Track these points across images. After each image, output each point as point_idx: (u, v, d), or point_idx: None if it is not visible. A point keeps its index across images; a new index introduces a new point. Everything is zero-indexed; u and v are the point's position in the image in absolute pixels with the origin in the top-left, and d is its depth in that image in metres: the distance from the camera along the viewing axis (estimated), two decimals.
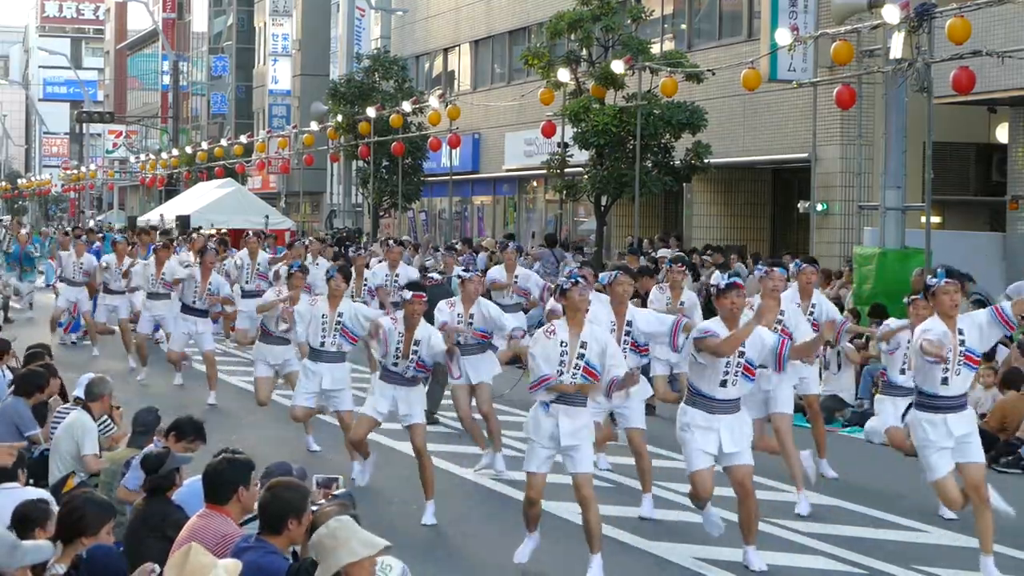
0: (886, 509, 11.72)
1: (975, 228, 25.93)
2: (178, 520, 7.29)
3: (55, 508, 7.15)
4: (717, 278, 9.58)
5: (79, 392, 10.90)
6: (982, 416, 14.90)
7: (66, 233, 33.52)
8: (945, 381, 9.47)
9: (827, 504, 11.97)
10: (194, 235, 30.03)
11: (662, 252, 24.67)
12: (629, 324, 11.17)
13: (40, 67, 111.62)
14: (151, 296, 19.16)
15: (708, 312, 14.42)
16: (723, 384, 9.47)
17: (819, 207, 26.03)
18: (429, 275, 19.83)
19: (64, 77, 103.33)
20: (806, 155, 25.61)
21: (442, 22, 44.24)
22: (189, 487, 7.89)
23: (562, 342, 9.27)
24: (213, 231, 35.61)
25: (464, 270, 14.34)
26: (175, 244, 26.32)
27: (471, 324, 13.23)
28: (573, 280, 9.50)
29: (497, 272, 18.12)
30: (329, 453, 13.85)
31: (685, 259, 15.59)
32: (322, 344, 12.94)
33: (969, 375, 9.62)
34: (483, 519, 11.57)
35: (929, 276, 9.82)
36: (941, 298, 9.47)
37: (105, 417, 11.10)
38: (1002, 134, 25.36)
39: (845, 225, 26.14)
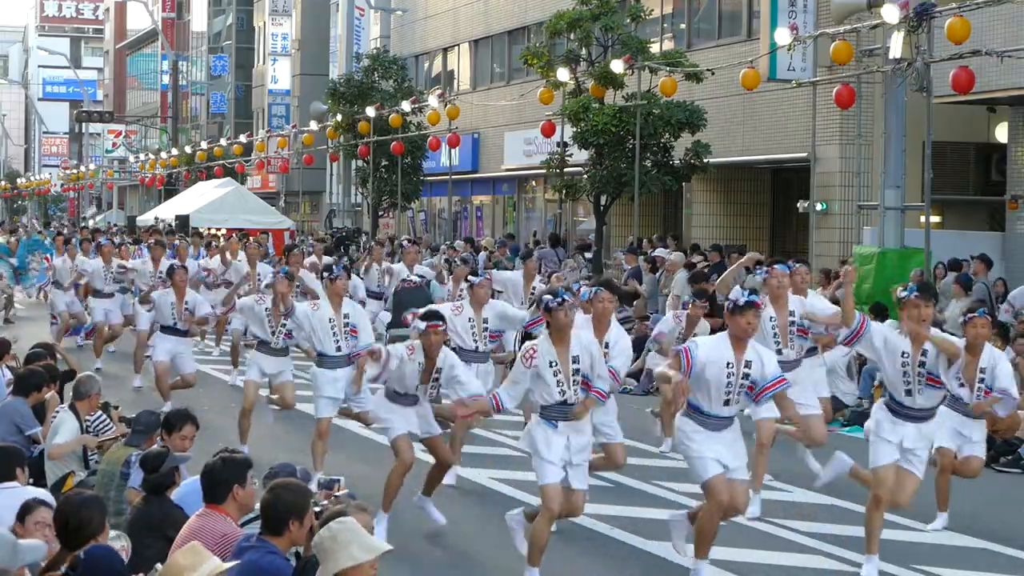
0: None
1: (974, 228, 25.94)
2: (177, 520, 7.30)
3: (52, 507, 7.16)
4: (736, 293, 9.00)
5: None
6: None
7: (58, 235, 33.00)
8: (909, 393, 9.50)
9: (827, 504, 11.97)
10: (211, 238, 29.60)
11: (659, 252, 24.66)
12: (607, 347, 10.62)
13: (39, 67, 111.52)
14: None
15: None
16: (727, 403, 9.01)
17: (818, 207, 26.03)
18: (407, 278, 19.56)
19: (63, 77, 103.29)
20: (805, 155, 25.62)
21: (441, 22, 44.24)
22: (187, 486, 7.90)
23: (551, 362, 9.15)
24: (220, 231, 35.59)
25: (472, 273, 13.87)
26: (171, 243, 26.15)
27: (486, 329, 12.80)
28: (560, 299, 9.22)
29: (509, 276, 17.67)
30: (330, 454, 13.84)
31: (707, 294, 14.96)
32: (338, 349, 12.46)
33: (933, 393, 9.58)
34: (483, 519, 11.56)
35: (900, 288, 9.64)
36: (911, 311, 9.39)
37: (104, 417, 11.10)
38: (1001, 134, 25.37)
39: (844, 225, 26.15)
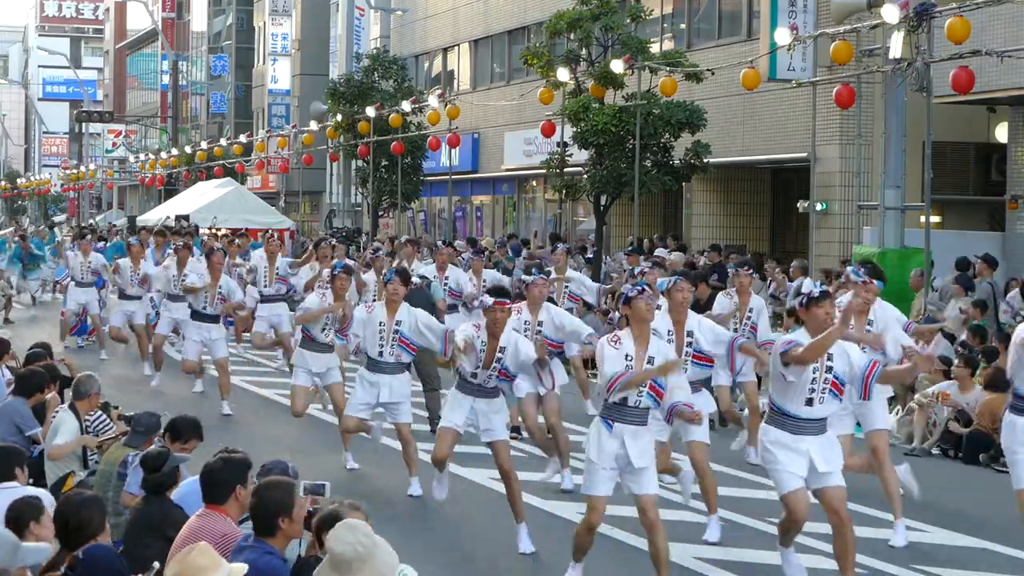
0: (886, 509, 11.70)
1: (974, 228, 25.93)
2: (177, 519, 7.30)
3: (50, 507, 7.15)
4: (808, 286, 8.74)
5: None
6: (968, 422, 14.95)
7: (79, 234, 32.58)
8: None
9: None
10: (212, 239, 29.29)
11: (659, 252, 24.66)
12: (690, 334, 10.32)
13: (39, 66, 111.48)
14: (170, 298, 18.54)
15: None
16: (809, 403, 8.66)
17: (818, 207, 26.02)
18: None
19: (63, 76, 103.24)
20: (805, 155, 25.60)
21: (441, 22, 44.24)
22: (187, 486, 7.90)
23: (627, 355, 8.69)
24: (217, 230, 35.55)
25: (526, 272, 13.33)
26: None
27: (540, 332, 12.31)
28: (639, 287, 8.85)
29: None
30: (332, 455, 13.84)
31: (751, 262, 14.84)
32: (380, 354, 12.07)
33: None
34: (489, 519, 11.56)
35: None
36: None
37: (103, 417, 11.09)
38: (1001, 134, 25.37)
39: (844, 225, 26.15)
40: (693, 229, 31.30)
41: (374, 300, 16.07)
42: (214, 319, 17.12)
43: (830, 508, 8.72)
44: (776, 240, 31.07)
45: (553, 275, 15.37)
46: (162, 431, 9.25)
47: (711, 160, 27.10)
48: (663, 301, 10.23)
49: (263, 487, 6.52)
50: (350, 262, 18.39)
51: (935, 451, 15.29)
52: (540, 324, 12.33)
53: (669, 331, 10.14)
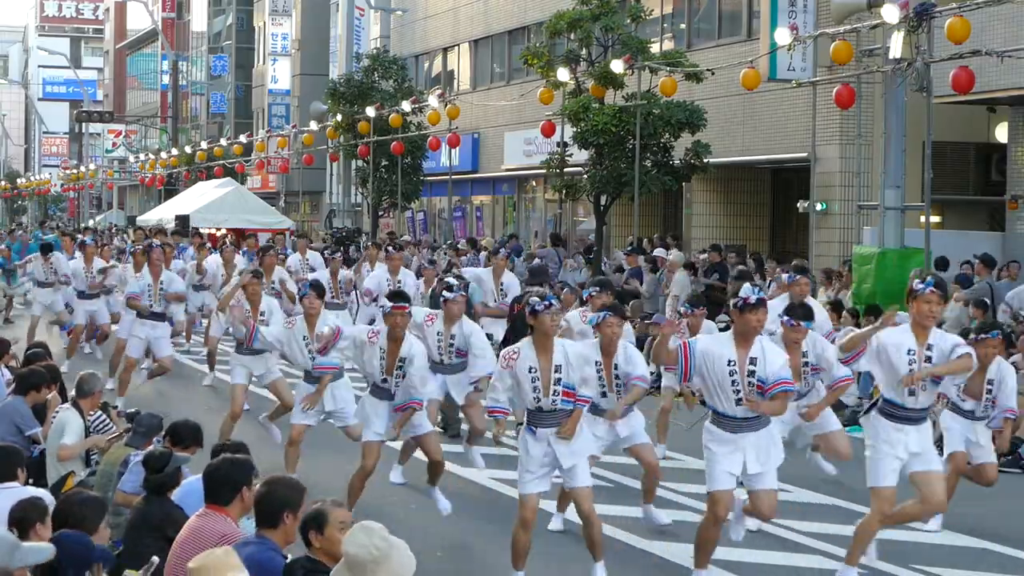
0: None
1: (974, 228, 25.94)
2: (178, 520, 7.30)
3: (52, 507, 7.15)
4: (746, 291, 8.88)
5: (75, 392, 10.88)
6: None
7: (66, 235, 32.16)
8: (912, 393, 9.21)
9: (826, 504, 11.98)
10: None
11: (659, 252, 24.67)
12: (616, 367, 10.44)
13: (39, 66, 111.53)
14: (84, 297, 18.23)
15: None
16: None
17: (818, 207, 26.04)
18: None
19: (63, 77, 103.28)
20: (805, 155, 25.62)
21: (441, 22, 44.24)
22: (187, 487, 7.90)
23: (531, 367, 9.06)
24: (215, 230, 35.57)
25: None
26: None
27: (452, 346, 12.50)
28: (547, 302, 9.08)
29: (478, 272, 17.17)
30: (322, 454, 13.84)
31: (703, 301, 14.17)
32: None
33: (934, 389, 9.34)
34: (484, 519, 11.56)
35: (916, 280, 9.61)
36: (920, 306, 9.18)
37: (103, 416, 11.09)
38: (1001, 134, 25.38)
39: (844, 225, 26.15)
40: (693, 229, 31.31)
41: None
42: (160, 317, 16.76)
43: (758, 508, 9.20)
44: (776, 240, 31.07)
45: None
46: (163, 434, 9.25)
47: (711, 160, 27.11)
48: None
49: (274, 481, 6.58)
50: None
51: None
52: (452, 338, 12.44)
53: (598, 362, 10.22)
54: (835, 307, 17.89)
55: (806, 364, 11.43)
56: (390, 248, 19.69)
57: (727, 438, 8.91)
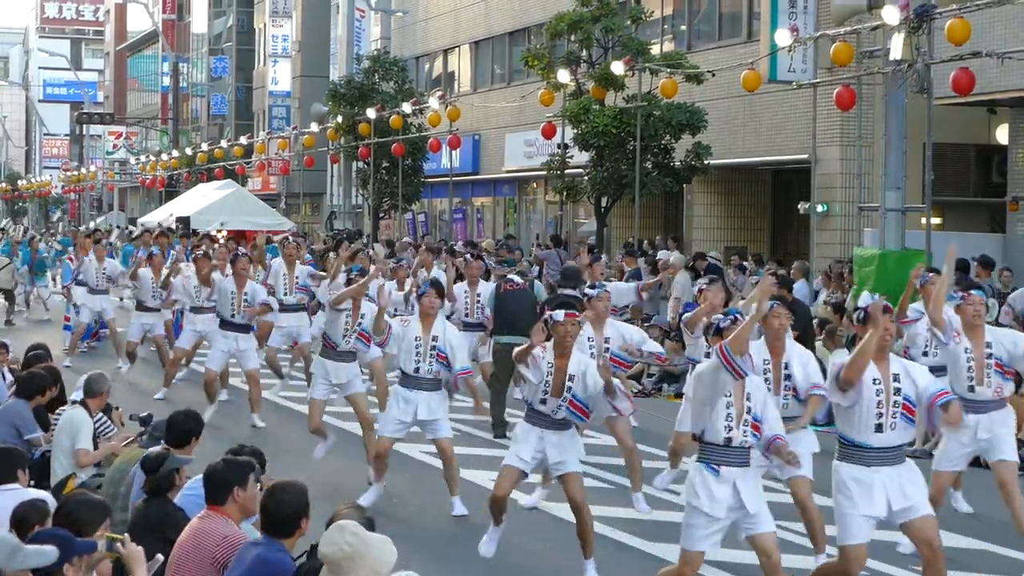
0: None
1: (975, 229, 25.93)
2: (178, 521, 7.31)
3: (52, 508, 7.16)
4: (865, 300, 8.39)
5: (76, 395, 10.84)
6: None
7: (88, 236, 31.85)
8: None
9: (826, 504, 11.95)
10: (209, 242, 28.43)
11: (661, 254, 24.68)
12: (787, 367, 9.70)
13: (40, 68, 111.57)
14: (194, 310, 17.59)
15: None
16: (879, 428, 8.26)
17: (819, 208, 26.03)
18: (509, 278, 16.38)
19: (64, 78, 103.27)
20: (806, 156, 25.61)
21: (442, 23, 44.26)
22: (189, 488, 7.90)
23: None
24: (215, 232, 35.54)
25: (590, 286, 12.43)
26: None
27: (607, 350, 11.56)
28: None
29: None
30: (335, 457, 13.83)
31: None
32: (416, 371, 11.44)
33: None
34: (484, 520, 11.53)
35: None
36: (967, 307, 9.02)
37: (104, 418, 11.08)
38: (1002, 135, 25.37)
39: (845, 226, 26.15)
40: (694, 231, 31.31)
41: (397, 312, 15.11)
42: (244, 328, 16.15)
43: (921, 540, 8.51)
44: (777, 242, 31.07)
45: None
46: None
47: (712, 162, 27.12)
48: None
49: (279, 489, 6.59)
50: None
51: (935, 452, 15.23)
52: (607, 341, 11.63)
53: (766, 360, 9.64)
54: (837, 309, 17.89)
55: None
56: (467, 257, 18.63)
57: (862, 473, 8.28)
